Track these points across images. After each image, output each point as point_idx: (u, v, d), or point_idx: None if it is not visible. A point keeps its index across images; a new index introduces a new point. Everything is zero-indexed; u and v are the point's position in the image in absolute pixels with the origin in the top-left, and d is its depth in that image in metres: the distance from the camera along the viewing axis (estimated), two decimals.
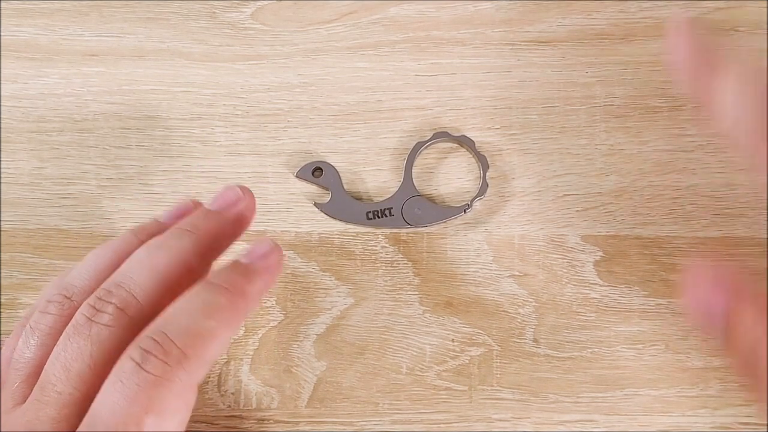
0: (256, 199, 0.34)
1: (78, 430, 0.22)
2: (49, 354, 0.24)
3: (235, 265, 0.26)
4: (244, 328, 0.33)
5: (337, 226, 0.34)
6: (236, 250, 0.27)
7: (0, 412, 0.24)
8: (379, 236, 0.34)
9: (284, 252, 0.28)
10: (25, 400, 0.23)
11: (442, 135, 0.34)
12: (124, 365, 0.22)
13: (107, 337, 0.23)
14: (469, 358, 0.32)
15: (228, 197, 0.28)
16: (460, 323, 0.33)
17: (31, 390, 0.24)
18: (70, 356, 0.23)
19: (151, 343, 0.22)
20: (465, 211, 0.33)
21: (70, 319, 0.24)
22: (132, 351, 0.22)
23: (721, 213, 0.33)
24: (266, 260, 0.26)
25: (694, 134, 0.34)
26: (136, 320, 0.24)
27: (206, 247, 0.26)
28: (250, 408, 0.32)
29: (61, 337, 0.24)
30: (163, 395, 0.22)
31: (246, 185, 0.28)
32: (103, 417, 0.22)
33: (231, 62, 0.35)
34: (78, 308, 0.24)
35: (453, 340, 0.32)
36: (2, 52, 0.36)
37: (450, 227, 0.34)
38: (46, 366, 0.24)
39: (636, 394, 0.32)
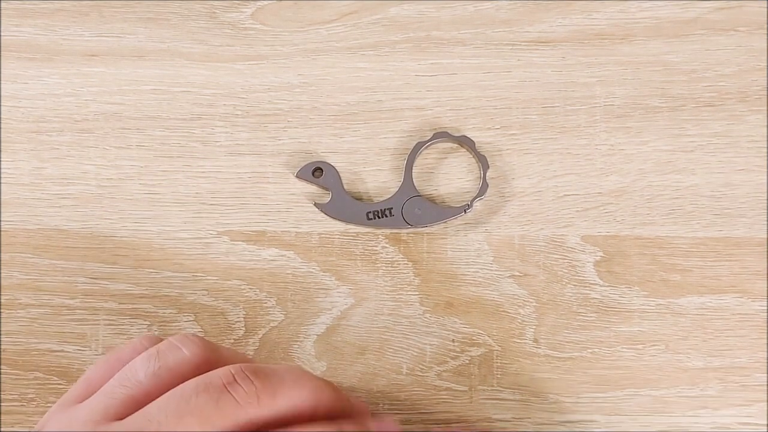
0: (257, 199, 0.34)
1: None
2: (163, 390, 0.24)
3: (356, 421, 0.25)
4: (244, 329, 0.33)
5: (337, 226, 0.34)
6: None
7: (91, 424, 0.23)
8: (379, 236, 0.34)
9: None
10: (119, 419, 0.23)
11: (442, 135, 0.34)
12: (209, 383, 0.23)
13: (230, 412, 0.23)
14: (469, 358, 0.32)
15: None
16: (461, 323, 0.33)
17: (129, 414, 0.23)
18: (191, 409, 0.23)
19: (239, 374, 0.23)
20: (465, 211, 0.33)
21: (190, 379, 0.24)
22: (223, 374, 0.23)
23: (721, 213, 0.33)
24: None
25: (694, 134, 0.34)
26: (259, 413, 0.23)
27: (336, 414, 0.26)
28: None
29: (190, 384, 0.24)
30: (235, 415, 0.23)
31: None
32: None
33: (231, 62, 0.35)
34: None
35: (453, 341, 0.32)
36: (2, 52, 0.36)
37: (450, 227, 0.34)
38: (158, 401, 0.23)
39: (636, 394, 0.32)
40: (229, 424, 0.22)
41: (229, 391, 0.23)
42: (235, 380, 0.23)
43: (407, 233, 0.34)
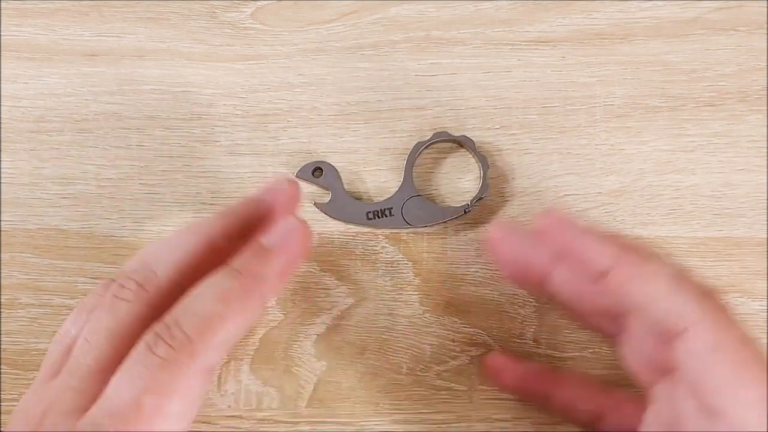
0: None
1: (90, 411, 0.23)
2: None
3: (253, 246, 0.26)
4: None
5: (337, 226, 0.34)
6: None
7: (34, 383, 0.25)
8: (379, 236, 0.34)
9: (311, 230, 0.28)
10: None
11: (442, 135, 0.34)
12: (137, 348, 0.23)
13: (125, 311, 0.25)
14: (469, 358, 0.32)
15: (272, 188, 0.29)
16: (461, 323, 0.33)
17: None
18: (91, 328, 0.25)
19: (162, 328, 0.24)
20: (465, 211, 0.33)
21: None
22: (147, 335, 0.24)
23: (721, 213, 0.33)
24: (286, 241, 0.26)
25: (694, 134, 0.34)
26: (156, 296, 0.25)
27: (236, 228, 0.27)
28: (250, 408, 0.32)
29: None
30: (166, 378, 0.23)
31: (296, 182, 0.30)
32: (109, 395, 0.23)
33: (231, 62, 0.35)
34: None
35: (453, 340, 0.32)
36: (2, 52, 0.36)
37: (450, 227, 0.34)
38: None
39: (636, 394, 0.32)
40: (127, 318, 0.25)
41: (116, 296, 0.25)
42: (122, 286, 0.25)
43: (407, 233, 0.34)
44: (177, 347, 0.23)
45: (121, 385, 0.23)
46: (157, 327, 0.24)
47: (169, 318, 0.24)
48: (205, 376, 0.25)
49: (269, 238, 0.26)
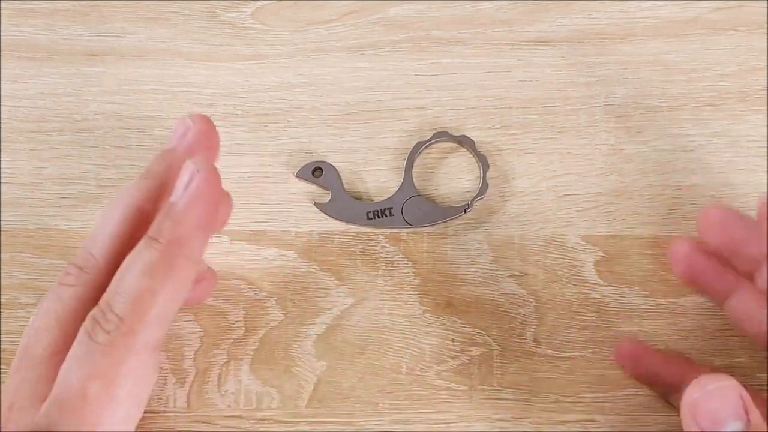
0: (257, 199, 0.34)
1: (44, 402, 0.23)
2: None
3: (164, 208, 0.25)
4: (244, 328, 0.33)
5: (337, 226, 0.34)
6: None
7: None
8: (379, 236, 0.34)
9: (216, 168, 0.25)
10: None
11: (442, 135, 0.34)
12: (79, 335, 0.24)
13: (70, 295, 0.25)
14: (469, 358, 0.32)
15: (177, 131, 0.28)
16: (460, 323, 0.33)
17: None
18: (40, 316, 0.25)
19: (97, 313, 0.24)
20: (465, 211, 0.33)
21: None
22: (86, 321, 0.24)
23: None
24: (191, 191, 0.25)
25: (694, 134, 0.34)
26: (97, 277, 0.25)
27: (158, 189, 0.26)
28: (250, 408, 0.31)
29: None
30: (107, 363, 0.23)
31: (204, 115, 0.28)
32: (58, 383, 0.23)
33: (231, 62, 0.35)
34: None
35: (453, 340, 0.32)
36: (2, 52, 0.36)
37: (450, 227, 0.34)
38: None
39: (637, 394, 0.32)
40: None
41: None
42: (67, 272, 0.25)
43: (407, 233, 0.34)
44: (112, 330, 0.23)
45: (66, 374, 0.23)
46: (94, 311, 0.24)
47: (102, 301, 0.24)
48: (150, 353, 0.25)
49: (175, 193, 0.25)
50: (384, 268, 0.33)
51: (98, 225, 0.26)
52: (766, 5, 0.36)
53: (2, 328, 0.33)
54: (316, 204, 0.34)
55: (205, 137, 0.28)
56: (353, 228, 0.34)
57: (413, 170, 0.34)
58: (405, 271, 0.33)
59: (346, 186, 0.34)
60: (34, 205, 0.34)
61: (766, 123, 0.34)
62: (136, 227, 0.26)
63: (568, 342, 0.32)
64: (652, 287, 0.33)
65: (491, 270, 0.33)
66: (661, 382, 0.30)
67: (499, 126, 0.35)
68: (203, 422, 0.31)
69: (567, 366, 0.32)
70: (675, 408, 0.30)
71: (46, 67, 0.35)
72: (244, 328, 0.33)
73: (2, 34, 0.36)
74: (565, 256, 0.33)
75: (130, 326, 0.23)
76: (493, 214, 0.34)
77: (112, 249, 0.25)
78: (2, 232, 0.34)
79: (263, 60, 0.35)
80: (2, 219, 0.34)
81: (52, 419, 0.22)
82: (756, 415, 0.22)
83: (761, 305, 0.26)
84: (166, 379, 0.31)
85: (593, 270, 0.33)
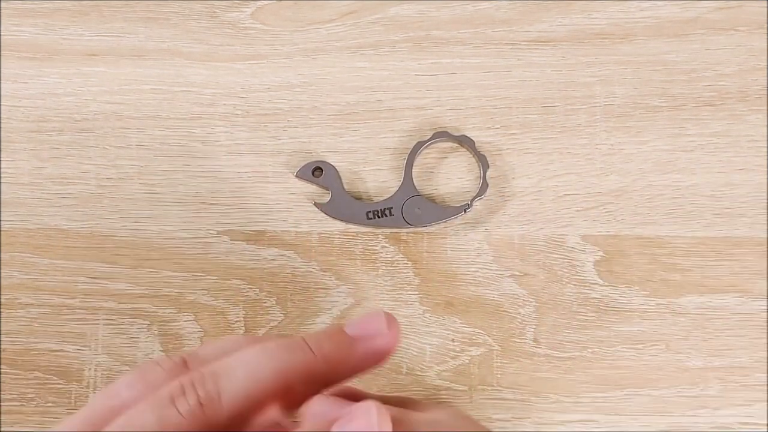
0: (257, 198, 0.34)
1: None
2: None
3: (336, 333, 0.23)
4: (244, 328, 0.33)
5: (337, 226, 0.34)
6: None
7: None
8: (379, 236, 0.34)
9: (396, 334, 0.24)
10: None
11: (442, 135, 0.34)
12: None
13: (174, 424, 0.22)
14: (469, 358, 0.32)
15: (369, 327, 0.24)
16: (460, 323, 0.33)
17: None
18: (133, 417, 0.22)
19: None
20: (465, 211, 0.33)
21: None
22: None
23: (721, 213, 0.33)
24: (371, 342, 0.23)
25: (694, 134, 0.34)
26: (211, 419, 0.22)
27: (319, 374, 0.23)
28: None
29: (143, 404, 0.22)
30: None
31: (394, 316, 0.24)
32: None
33: (231, 62, 0.35)
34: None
35: (453, 340, 0.32)
36: (2, 52, 0.36)
37: (450, 227, 0.34)
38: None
39: (636, 394, 0.32)
40: None
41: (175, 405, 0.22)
42: (183, 392, 0.22)
43: (407, 233, 0.34)
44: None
45: None
46: None
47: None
48: None
49: (356, 330, 0.23)
50: (384, 268, 0.33)
51: (245, 366, 0.23)
52: (766, 5, 0.36)
53: (2, 328, 0.33)
54: (316, 204, 0.34)
55: (392, 347, 0.24)
56: (353, 228, 0.34)
57: (413, 170, 0.34)
58: (405, 271, 0.33)
59: (346, 186, 0.34)
60: (34, 205, 0.34)
61: (766, 123, 0.34)
62: (276, 395, 0.23)
63: (568, 342, 0.32)
64: (652, 287, 0.33)
65: (491, 270, 0.33)
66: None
67: (499, 126, 0.35)
68: None
69: (567, 366, 0.32)
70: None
71: (46, 67, 0.35)
72: (244, 328, 0.33)
73: (2, 34, 0.36)
74: (565, 256, 0.33)
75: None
76: (493, 214, 0.34)
77: (243, 407, 0.22)
78: (2, 232, 0.34)
79: (263, 60, 0.35)
80: (2, 219, 0.34)
81: None
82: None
83: None
84: None
85: (593, 270, 0.33)
